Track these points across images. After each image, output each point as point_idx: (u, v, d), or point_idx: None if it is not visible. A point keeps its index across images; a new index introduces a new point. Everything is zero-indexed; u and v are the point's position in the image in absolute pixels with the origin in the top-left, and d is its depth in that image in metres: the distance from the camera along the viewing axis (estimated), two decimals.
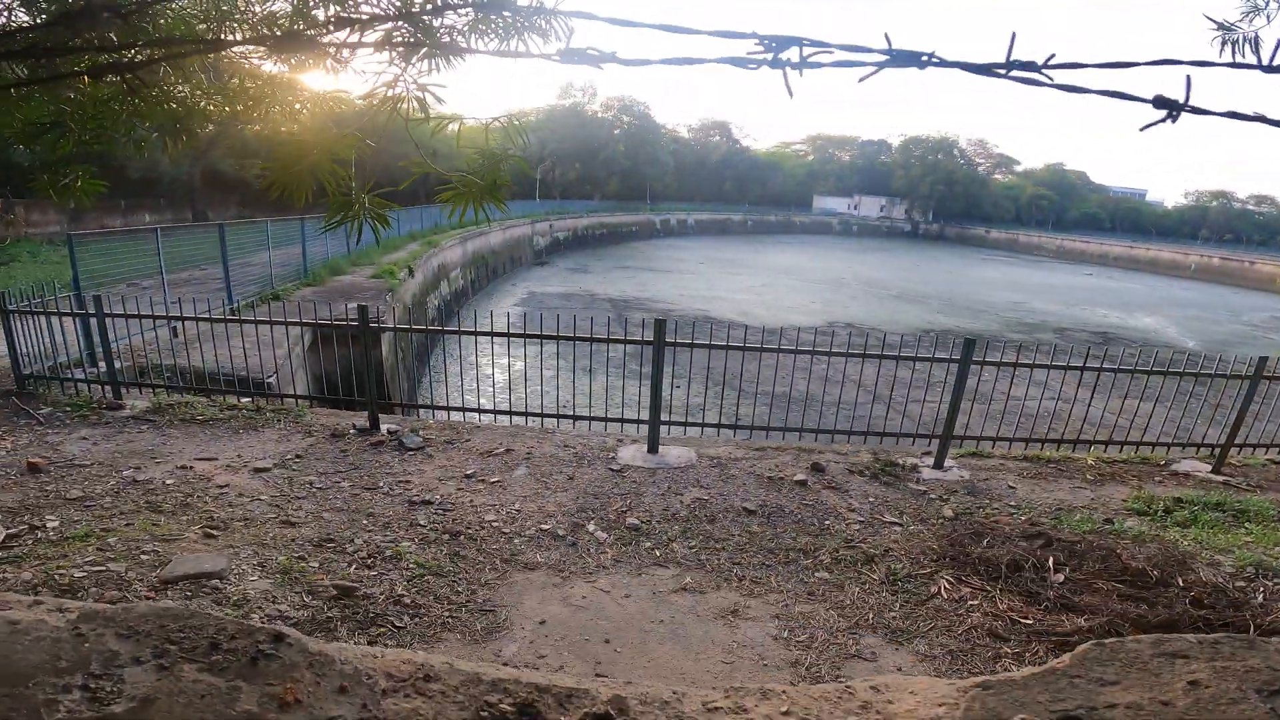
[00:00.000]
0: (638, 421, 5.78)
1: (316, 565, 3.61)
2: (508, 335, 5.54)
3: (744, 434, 6.21)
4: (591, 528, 4.28)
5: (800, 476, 5.16)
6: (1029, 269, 56.89)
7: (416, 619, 3.26)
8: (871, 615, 3.51)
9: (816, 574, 3.90)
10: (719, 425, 5.90)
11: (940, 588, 3.76)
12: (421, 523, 4.17)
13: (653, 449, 5.48)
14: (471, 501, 4.50)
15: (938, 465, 5.50)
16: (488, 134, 2.39)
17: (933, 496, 5.02)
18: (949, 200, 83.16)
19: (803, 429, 5.93)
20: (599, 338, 5.54)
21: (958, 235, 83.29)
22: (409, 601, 3.37)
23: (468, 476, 4.86)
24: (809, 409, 7.23)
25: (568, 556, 3.95)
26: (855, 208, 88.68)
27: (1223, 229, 79.49)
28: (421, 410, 6.46)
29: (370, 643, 3.04)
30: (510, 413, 5.99)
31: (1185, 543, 4.41)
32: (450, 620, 3.29)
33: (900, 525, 4.52)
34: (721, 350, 5.50)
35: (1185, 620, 3.37)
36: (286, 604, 3.25)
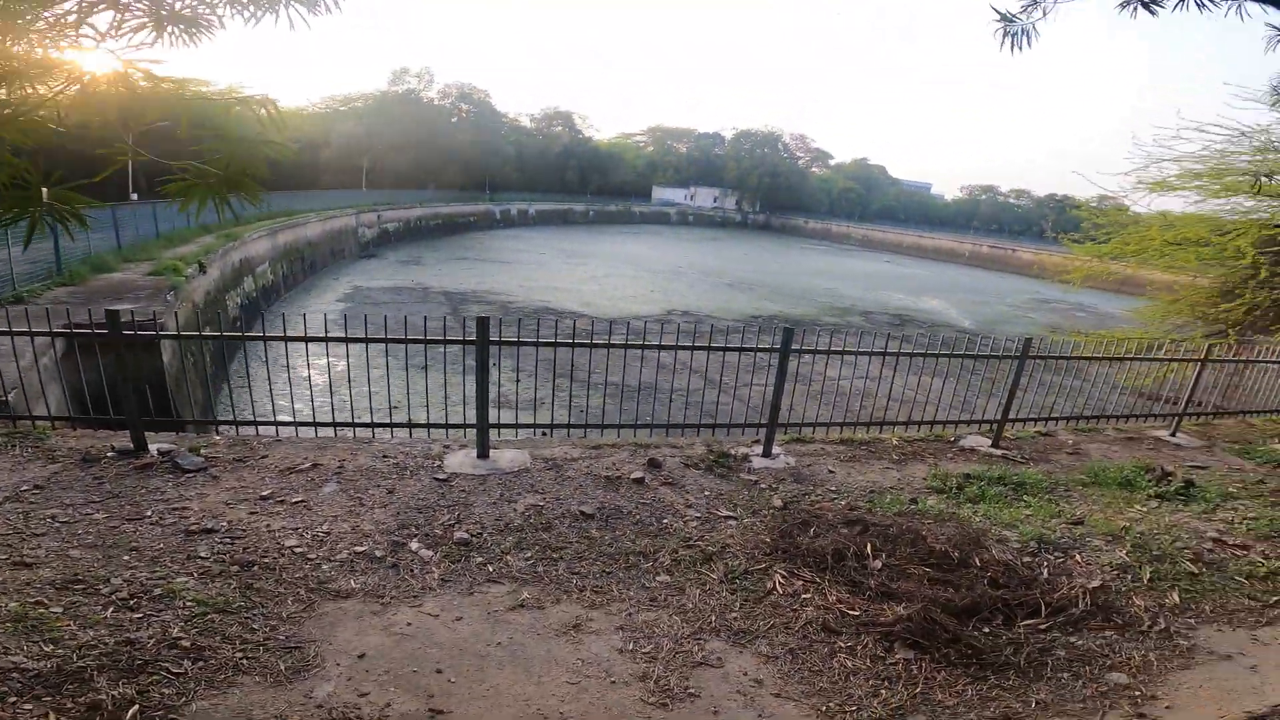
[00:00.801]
0: (464, 426, 5.38)
1: (61, 610, 3.04)
2: (305, 339, 4.83)
3: (581, 431, 6.03)
4: (415, 546, 3.88)
5: (638, 474, 5.06)
6: (840, 257, 62.79)
7: (200, 663, 2.81)
8: (714, 617, 3.49)
9: (658, 578, 3.81)
10: (551, 425, 5.65)
11: (775, 583, 3.81)
12: (203, 554, 3.59)
13: (483, 454, 5.12)
14: (268, 526, 3.94)
15: (766, 454, 5.66)
16: (229, 114, 1.97)
17: (763, 486, 5.13)
18: (774, 192, 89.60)
19: (637, 424, 5.87)
20: (415, 339, 5.03)
21: (781, 225, 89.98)
22: (189, 644, 2.90)
23: (263, 498, 4.26)
24: (650, 399, 7.22)
25: (387, 580, 3.55)
26: (691, 198, 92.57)
27: (990, 220, 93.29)
28: (222, 426, 5.54)
29: (140, 692, 2.60)
30: (315, 424, 5.30)
31: (977, 520, 4.82)
32: (245, 662, 2.86)
33: (735, 519, 4.56)
34: (550, 347, 5.24)
35: (986, 602, 3.63)
36: (21, 654, 2.73)
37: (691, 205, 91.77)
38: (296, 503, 4.24)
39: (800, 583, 3.79)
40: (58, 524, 3.77)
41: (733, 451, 5.65)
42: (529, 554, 3.93)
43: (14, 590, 3.15)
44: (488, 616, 3.35)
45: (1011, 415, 6.59)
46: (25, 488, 4.12)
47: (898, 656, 3.26)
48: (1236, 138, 11.36)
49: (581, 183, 78.39)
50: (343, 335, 4.90)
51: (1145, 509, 5.27)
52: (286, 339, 4.78)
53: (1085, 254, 13.85)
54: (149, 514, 3.96)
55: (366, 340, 4.81)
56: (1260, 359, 8.79)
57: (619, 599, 3.59)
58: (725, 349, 5.64)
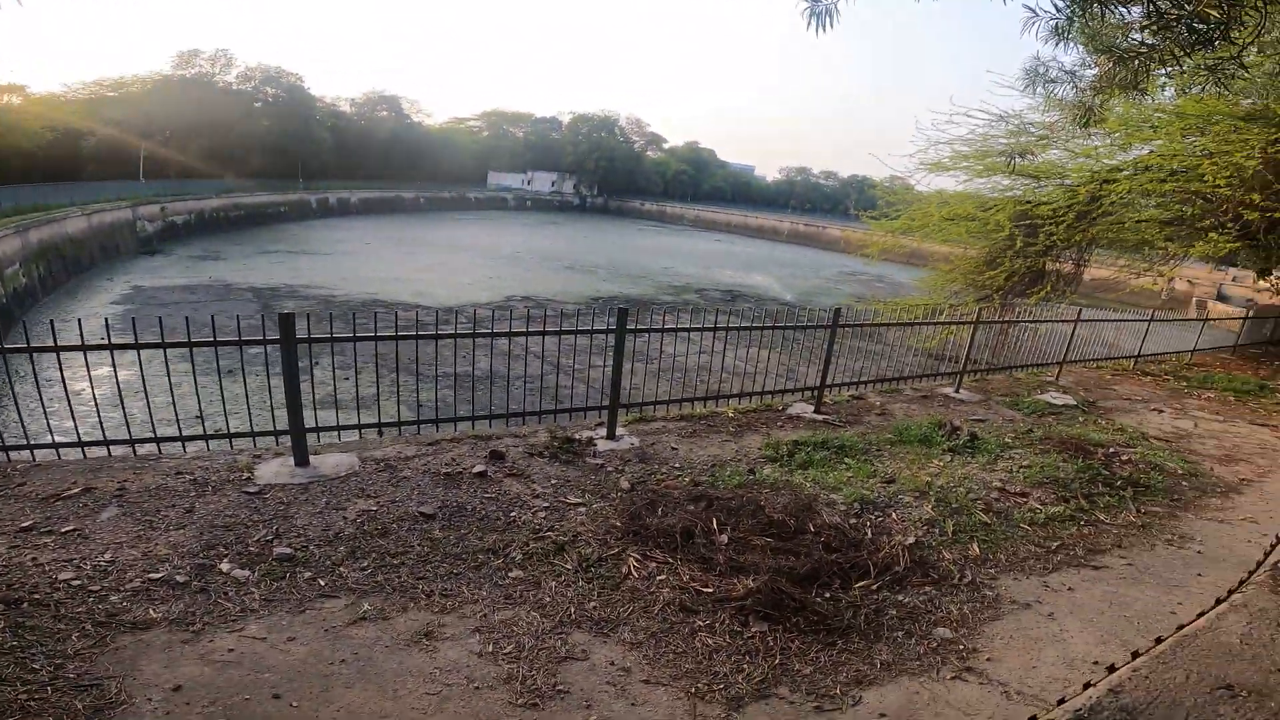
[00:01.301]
0: (275, 433, 4.83)
1: None
2: (56, 350, 3.99)
3: (415, 428, 5.65)
4: (226, 567, 3.46)
5: (480, 468, 4.85)
6: (675, 237, 65.21)
7: None
8: (573, 609, 3.41)
9: (510, 574, 3.66)
10: (380, 424, 5.23)
11: (630, 567, 3.80)
12: None
13: (301, 461, 4.62)
14: (35, 560, 3.37)
15: (610, 435, 5.67)
16: None
17: (609, 469, 5.12)
18: (611, 175, 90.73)
19: (475, 416, 5.61)
20: (203, 341, 4.38)
21: (619, 208, 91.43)
22: None
23: (24, 530, 3.62)
24: (489, 388, 6.96)
25: (197, 606, 3.15)
26: (529, 183, 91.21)
27: (805, 199, 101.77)
28: None
29: None
30: (82, 444, 4.49)
31: (808, 486, 5.11)
32: (33, 704, 2.50)
33: (584, 505, 4.51)
34: (370, 341, 4.83)
35: (824, 567, 3.84)
36: None
37: (529, 190, 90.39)
38: (68, 532, 3.64)
39: (654, 564, 3.83)
40: None
41: (577, 436, 5.60)
42: (365, 563, 3.63)
43: None
44: (326, 634, 3.07)
45: (829, 381, 7.12)
46: None
47: (754, 629, 3.35)
48: (996, 122, 13.24)
49: (411, 169, 74.14)
50: (105, 342, 4.12)
51: (942, 463, 5.79)
52: (31, 350, 3.93)
53: (880, 229, 15.49)
54: None
55: (138, 346, 4.08)
56: (1020, 319, 10.39)
57: (471, 600, 3.42)
58: (560, 332, 5.54)
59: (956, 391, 8.44)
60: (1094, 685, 1.81)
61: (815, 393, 7.12)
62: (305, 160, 59.26)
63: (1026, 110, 13.29)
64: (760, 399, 7.12)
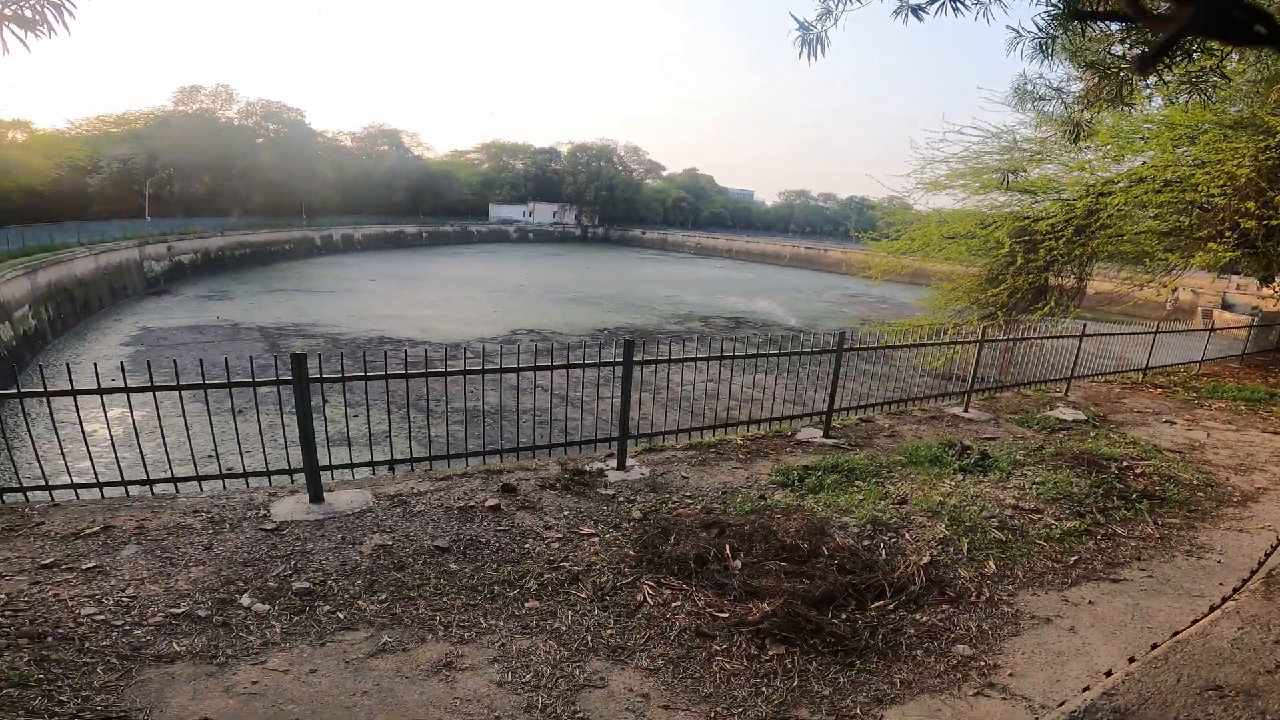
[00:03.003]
0: (289, 471, 4.88)
1: None
2: (73, 393, 4.07)
3: (427, 464, 5.69)
4: (246, 601, 3.51)
5: (492, 501, 4.87)
6: (677, 265, 65.67)
7: None
8: (590, 637, 3.43)
9: (526, 604, 3.69)
10: (392, 461, 5.28)
11: (645, 594, 3.81)
12: None
13: (316, 498, 4.67)
14: (57, 595, 3.43)
15: (620, 466, 5.68)
16: None
17: (621, 499, 5.13)
18: (611, 205, 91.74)
19: (485, 451, 5.64)
20: (216, 383, 4.46)
21: (620, 237, 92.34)
22: None
23: (45, 567, 3.68)
24: (499, 423, 7.00)
25: (219, 639, 3.20)
26: (530, 215, 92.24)
27: (805, 223, 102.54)
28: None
29: None
30: (100, 484, 4.57)
31: (820, 509, 5.11)
32: None
33: (597, 535, 4.52)
34: (381, 379, 4.90)
35: (839, 589, 3.84)
36: None
37: (531, 221, 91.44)
38: (89, 569, 3.71)
39: (669, 591, 3.83)
40: None
41: (587, 468, 5.62)
42: (383, 596, 3.67)
43: None
44: (346, 665, 3.10)
45: (836, 405, 7.12)
46: None
47: (771, 653, 3.35)
48: (989, 139, 13.34)
49: (413, 203, 75.14)
50: (122, 385, 4.21)
51: (954, 483, 5.75)
52: (48, 394, 4.01)
53: (881, 250, 15.53)
54: None
55: (154, 389, 4.15)
56: (1024, 336, 10.38)
57: (489, 630, 3.44)
58: (569, 366, 5.60)
59: (965, 411, 8.40)
60: (1090, 689, 1.85)
61: (823, 417, 7.12)
62: (308, 196, 59.61)
63: (1018, 126, 13.40)
64: (769, 425, 7.13)
